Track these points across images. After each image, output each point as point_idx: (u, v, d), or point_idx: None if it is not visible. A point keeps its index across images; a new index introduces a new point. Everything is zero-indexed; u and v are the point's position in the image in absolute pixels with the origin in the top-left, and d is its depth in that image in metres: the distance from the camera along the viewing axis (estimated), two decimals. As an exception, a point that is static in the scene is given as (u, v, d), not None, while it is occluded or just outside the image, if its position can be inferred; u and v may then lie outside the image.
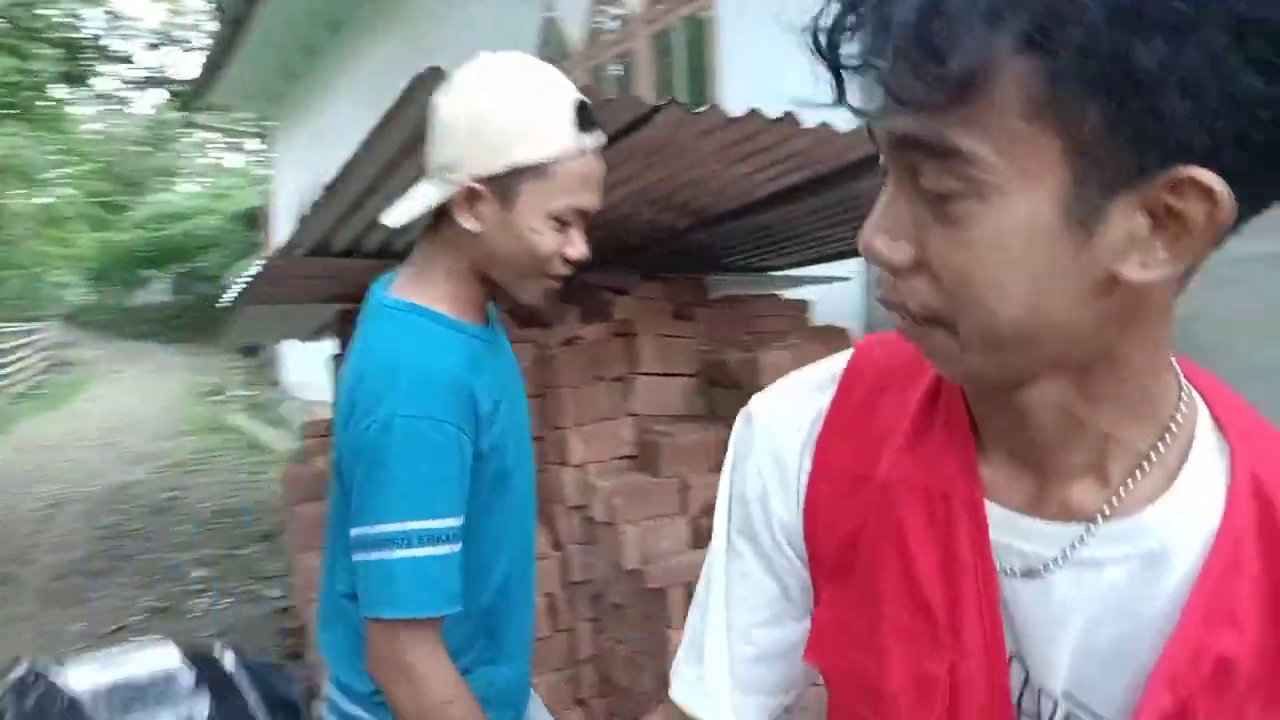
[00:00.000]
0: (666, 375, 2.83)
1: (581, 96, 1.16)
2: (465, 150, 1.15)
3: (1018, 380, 0.53)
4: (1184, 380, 0.58)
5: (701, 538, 2.64)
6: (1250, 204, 0.46)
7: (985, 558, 0.58)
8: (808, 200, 2.43)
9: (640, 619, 2.54)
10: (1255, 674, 0.51)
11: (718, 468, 2.58)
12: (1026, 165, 0.45)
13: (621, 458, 2.75)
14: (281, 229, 11.29)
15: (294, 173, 11.52)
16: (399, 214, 1.21)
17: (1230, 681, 0.51)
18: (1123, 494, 0.55)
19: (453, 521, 1.14)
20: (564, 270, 1.25)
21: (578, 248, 1.23)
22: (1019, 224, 0.46)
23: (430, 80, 1.43)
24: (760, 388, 2.73)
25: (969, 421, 0.61)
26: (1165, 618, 0.53)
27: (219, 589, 4.96)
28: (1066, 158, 0.44)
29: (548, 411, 2.72)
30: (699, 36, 4.73)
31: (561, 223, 1.20)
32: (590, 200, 1.21)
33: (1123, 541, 0.55)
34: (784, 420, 0.72)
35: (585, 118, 1.16)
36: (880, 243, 0.51)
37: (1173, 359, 0.57)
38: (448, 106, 1.17)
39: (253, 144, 23.89)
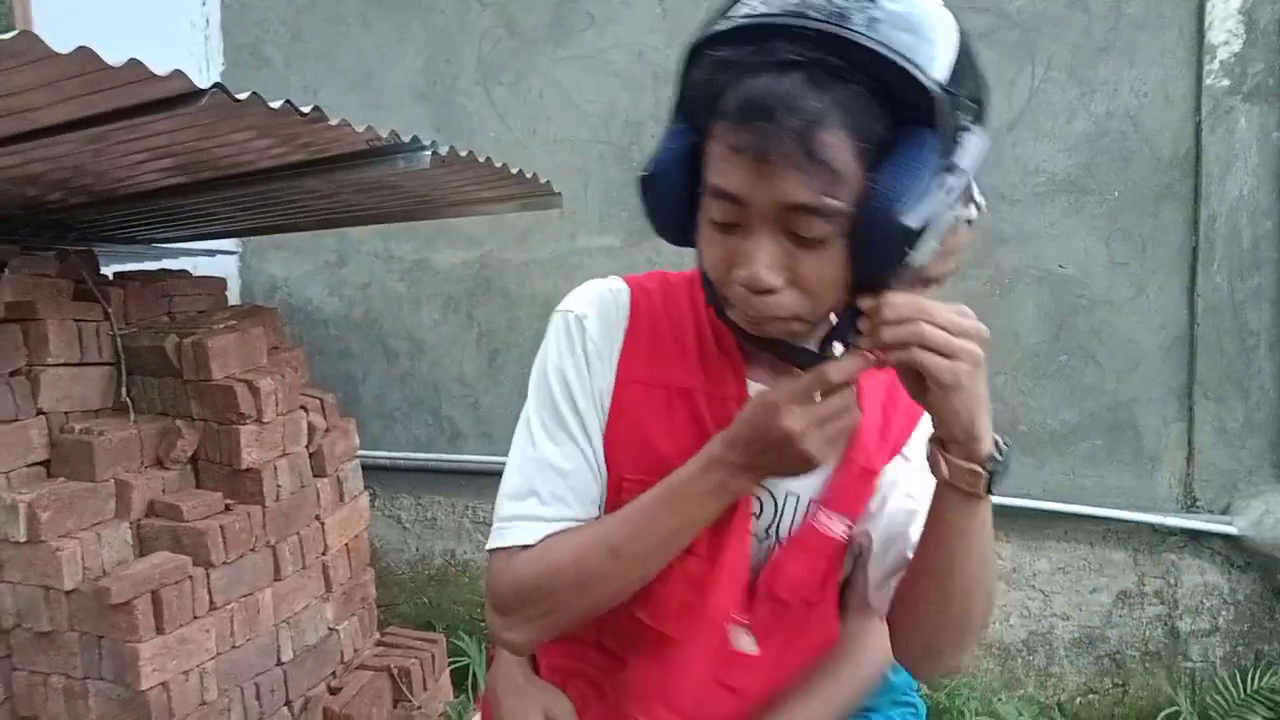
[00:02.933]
0: (79, 365, 2.48)
1: None
2: None
3: None
4: None
5: (148, 542, 2.41)
6: None
7: None
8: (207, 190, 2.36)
9: (85, 641, 2.25)
10: (875, 442, 0.98)
11: (156, 464, 2.43)
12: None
13: (34, 464, 2.36)
14: None
15: None
16: None
17: (869, 451, 0.97)
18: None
19: None
20: None
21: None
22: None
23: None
24: (209, 374, 2.75)
25: (738, 348, 0.94)
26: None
27: None
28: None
29: (-80, 422, 2.21)
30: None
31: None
32: None
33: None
34: (601, 325, 0.97)
35: None
36: (772, 279, 0.76)
37: None
38: None
39: None
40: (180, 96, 1.55)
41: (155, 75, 1.44)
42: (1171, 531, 2.94)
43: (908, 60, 0.70)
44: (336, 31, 3.66)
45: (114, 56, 1.34)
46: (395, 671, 2.88)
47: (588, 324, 0.96)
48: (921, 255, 0.75)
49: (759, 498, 0.96)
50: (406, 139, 2.06)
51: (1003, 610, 3.10)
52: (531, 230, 3.47)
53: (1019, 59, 2.93)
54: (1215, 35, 2.76)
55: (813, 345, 0.85)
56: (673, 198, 0.83)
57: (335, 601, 2.88)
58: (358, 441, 3.03)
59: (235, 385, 2.49)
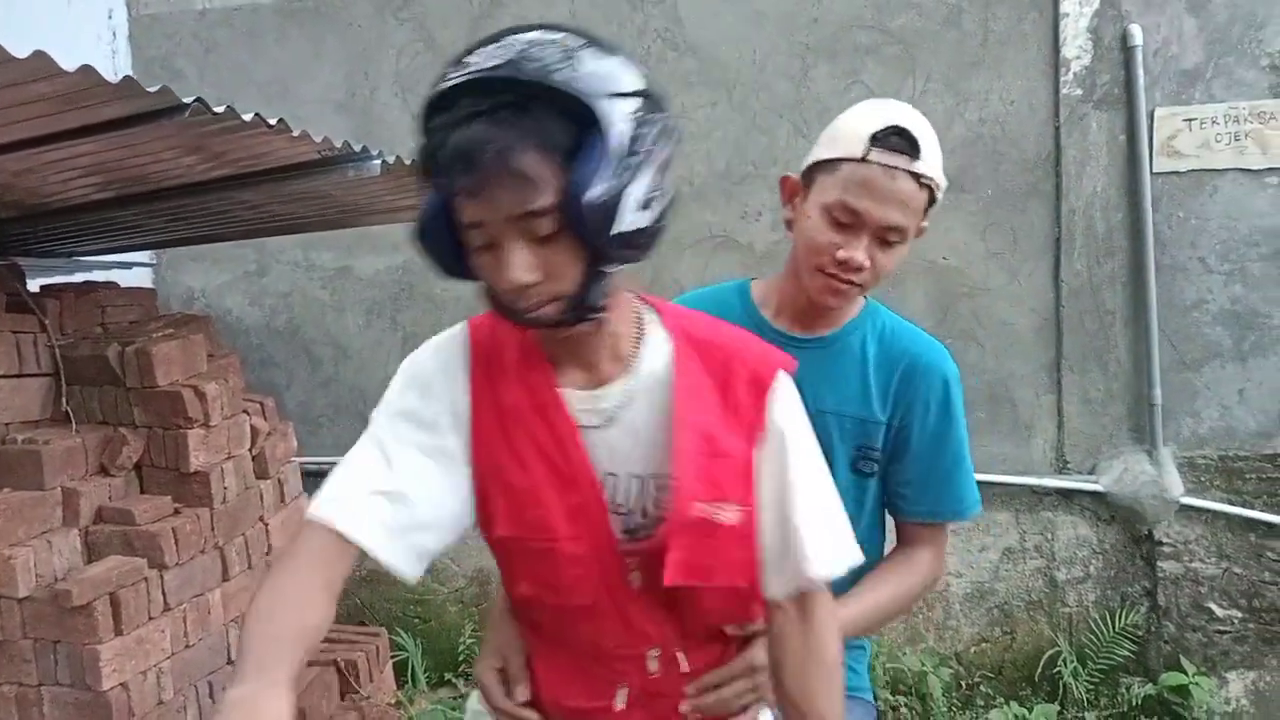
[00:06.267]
0: (19, 376, 2.50)
1: (898, 123, 1.26)
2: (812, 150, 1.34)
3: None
4: (639, 305, 1.12)
5: (97, 548, 2.45)
6: None
7: (574, 434, 1.06)
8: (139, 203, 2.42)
9: (40, 648, 2.28)
10: (719, 426, 1.07)
11: (100, 471, 2.49)
12: None
13: (-24, 476, 2.37)
14: None
15: None
16: None
17: (711, 436, 1.06)
18: (630, 365, 1.08)
19: None
20: (835, 270, 1.30)
21: (850, 252, 1.28)
22: None
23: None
24: (153, 381, 2.94)
25: (546, 359, 1.09)
26: (667, 410, 1.07)
27: None
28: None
29: None
30: None
31: (837, 221, 1.28)
32: (867, 206, 1.26)
33: (640, 384, 1.07)
34: (443, 369, 1.11)
35: (887, 137, 1.25)
36: (528, 276, 0.93)
37: (631, 296, 1.12)
38: None
39: None
40: (166, 110, 1.66)
41: (147, 91, 1.55)
42: (1047, 492, 3.30)
43: (554, 82, 0.87)
44: (252, 45, 3.71)
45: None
46: (343, 664, 2.97)
47: (423, 368, 1.12)
48: (629, 222, 0.92)
49: (608, 479, 1.08)
50: (357, 149, 2.20)
51: (905, 572, 3.40)
52: (454, 236, 3.60)
53: (901, 72, 3.25)
54: (1069, 50, 3.14)
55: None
56: (441, 244, 0.98)
57: (280, 600, 2.94)
58: (295, 443, 3.10)
59: (182, 391, 2.55)
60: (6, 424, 2.47)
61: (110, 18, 3.84)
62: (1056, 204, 3.21)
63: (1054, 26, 3.15)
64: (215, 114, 1.71)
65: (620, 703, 1.15)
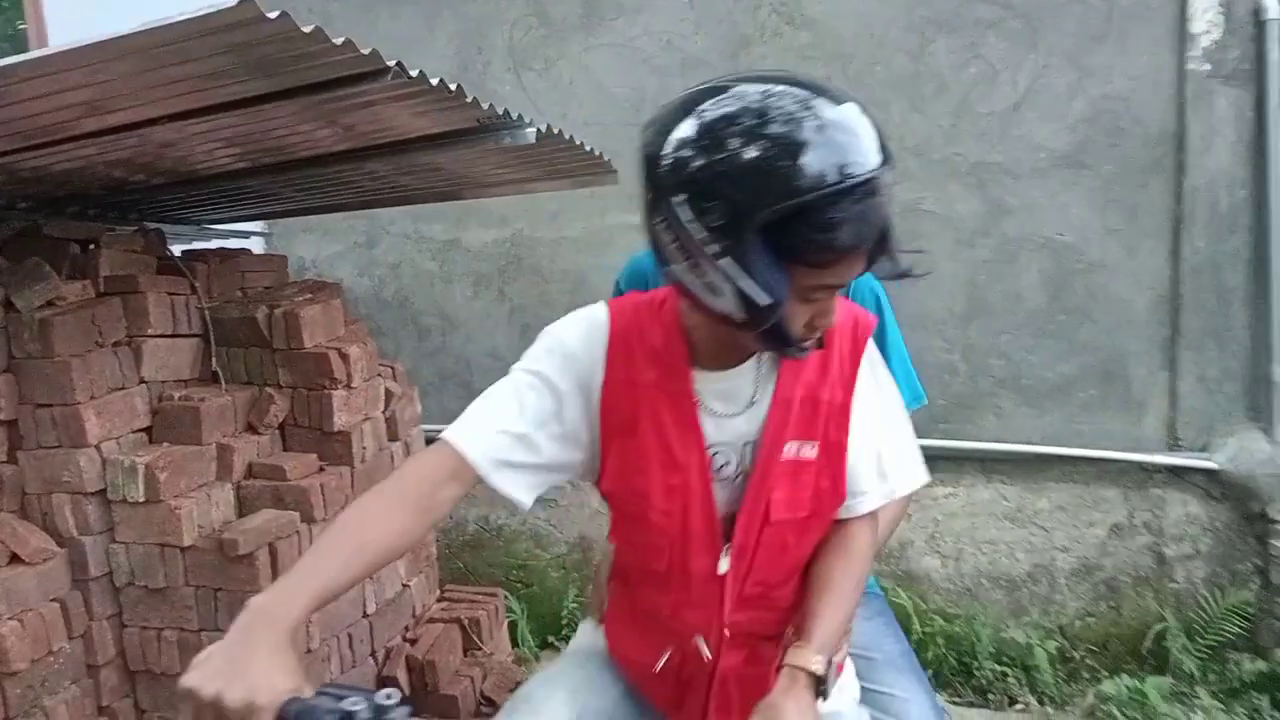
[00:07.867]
0: (175, 336, 2.59)
1: None
2: None
3: None
4: None
5: (248, 502, 2.55)
6: None
7: (695, 420, 1.19)
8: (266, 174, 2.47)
9: (202, 595, 2.38)
10: (829, 399, 1.22)
11: (249, 430, 2.57)
12: None
13: (137, 430, 2.47)
14: None
15: None
16: None
17: (816, 402, 1.21)
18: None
19: None
20: None
21: None
22: None
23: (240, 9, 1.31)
24: (300, 343, 3.02)
25: (685, 344, 1.21)
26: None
27: None
28: None
29: (33, 387, 2.31)
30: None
31: None
32: None
33: (764, 361, 1.21)
34: (584, 342, 1.23)
35: None
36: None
37: None
38: None
39: None
40: (364, 74, 1.72)
41: (362, 54, 1.61)
42: (1158, 469, 3.30)
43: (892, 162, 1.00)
44: (366, 19, 3.78)
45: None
46: (466, 622, 3.06)
47: (566, 340, 1.23)
48: None
49: (719, 452, 1.21)
50: (514, 116, 2.24)
51: (1009, 546, 3.42)
52: (563, 210, 3.65)
53: (1023, 47, 3.23)
54: (1196, 25, 3.10)
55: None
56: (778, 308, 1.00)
57: (406, 559, 3.04)
58: (420, 408, 3.18)
59: (327, 353, 2.64)
60: (163, 381, 2.57)
61: (226, -9, 3.92)
62: (1178, 181, 3.18)
63: (1181, 1, 3.12)
64: (410, 78, 1.76)
65: (659, 666, 1.31)
